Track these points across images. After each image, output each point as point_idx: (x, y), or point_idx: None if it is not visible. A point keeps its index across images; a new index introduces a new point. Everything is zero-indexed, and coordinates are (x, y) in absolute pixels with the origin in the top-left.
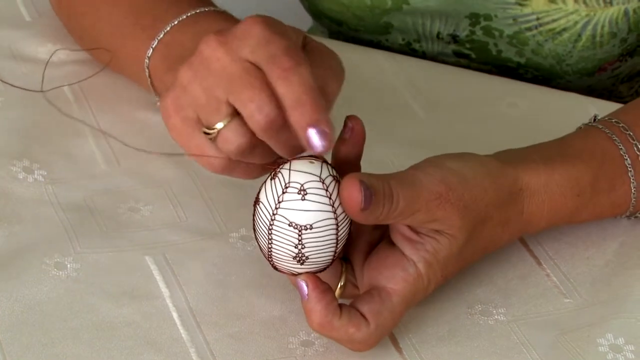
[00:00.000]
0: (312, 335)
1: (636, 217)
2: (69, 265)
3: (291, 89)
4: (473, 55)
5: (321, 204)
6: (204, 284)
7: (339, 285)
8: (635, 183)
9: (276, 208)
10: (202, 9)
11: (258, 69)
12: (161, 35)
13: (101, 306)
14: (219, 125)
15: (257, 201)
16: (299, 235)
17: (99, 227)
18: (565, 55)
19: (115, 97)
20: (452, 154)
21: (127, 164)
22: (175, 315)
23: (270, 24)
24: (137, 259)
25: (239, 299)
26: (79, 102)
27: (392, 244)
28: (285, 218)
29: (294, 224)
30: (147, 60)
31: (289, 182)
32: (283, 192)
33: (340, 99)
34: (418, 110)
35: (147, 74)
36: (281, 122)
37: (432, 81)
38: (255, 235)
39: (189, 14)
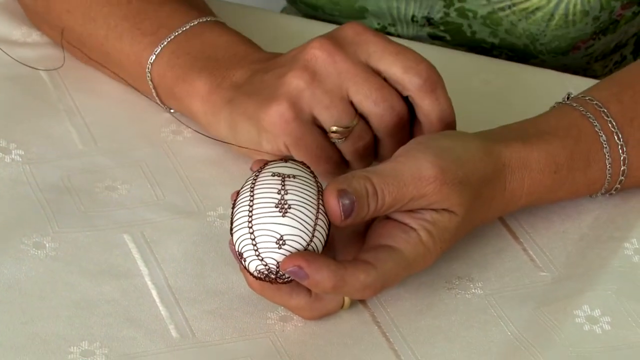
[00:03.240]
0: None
1: (611, 193)
2: (47, 245)
3: (438, 106)
4: (448, 38)
5: (300, 167)
6: (182, 261)
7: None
8: (610, 160)
9: (259, 172)
10: (206, 19)
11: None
12: (165, 43)
13: (80, 284)
14: (354, 121)
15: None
16: (282, 182)
17: (77, 206)
18: (538, 35)
19: (91, 78)
20: (439, 133)
21: (104, 143)
22: (154, 292)
23: (373, 31)
24: (116, 237)
25: (217, 275)
26: (55, 83)
27: (386, 217)
28: (269, 171)
29: (277, 174)
30: (149, 66)
31: (270, 160)
32: (266, 163)
33: None
34: None
35: (149, 79)
36: (407, 122)
37: None
38: (231, 228)
39: (193, 23)
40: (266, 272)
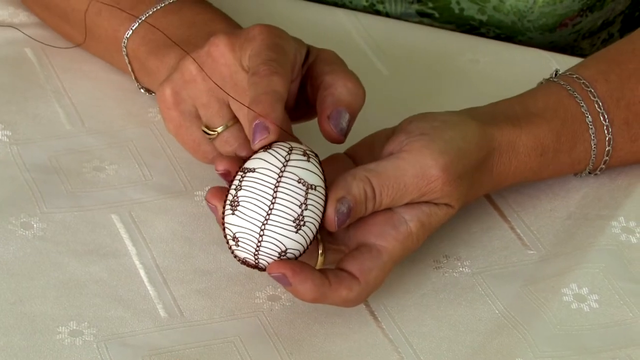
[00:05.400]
0: (279, 289)
1: (596, 174)
2: (35, 225)
3: (254, 91)
4: (436, 15)
5: (319, 170)
6: (169, 241)
7: (319, 254)
8: (595, 140)
9: (284, 166)
10: None
11: None
12: (143, 18)
13: (68, 264)
14: (220, 128)
15: (244, 170)
16: (305, 194)
17: (65, 186)
18: (526, 12)
19: (79, 59)
20: (440, 120)
21: (92, 124)
22: (142, 272)
23: (272, 34)
24: (103, 217)
25: (205, 255)
26: (42, 64)
27: None
28: (295, 175)
29: (303, 182)
30: (125, 41)
31: (292, 147)
32: (289, 153)
33: None
34: (381, 68)
35: (124, 53)
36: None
37: (394, 39)
38: (234, 206)
39: (173, 0)
40: (252, 265)
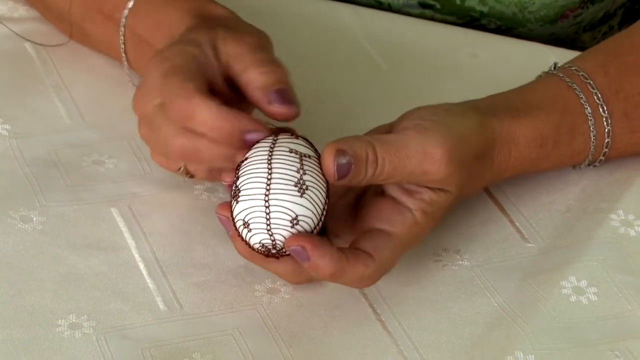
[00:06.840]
0: (278, 282)
1: (595, 165)
2: (34, 218)
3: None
4: (438, 6)
5: (310, 145)
6: (169, 234)
7: None
8: (594, 132)
9: (273, 144)
10: None
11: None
12: (124, 21)
13: (67, 258)
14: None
15: (239, 164)
16: (300, 161)
17: (64, 180)
18: (527, 3)
19: (78, 53)
20: (442, 108)
21: (91, 118)
22: (141, 265)
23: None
24: (103, 211)
25: (204, 248)
26: (42, 59)
27: (381, 194)
28: (285, 146)
29: (294, 151)
30: (123, 52)
31: (278, 131)
32: (276, 135)
33: (304, 53)
34: (380, 62)
35: (125, 63)
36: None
37: (394, 33)
38: (237, 195)
39: None
40: (270, 247)
